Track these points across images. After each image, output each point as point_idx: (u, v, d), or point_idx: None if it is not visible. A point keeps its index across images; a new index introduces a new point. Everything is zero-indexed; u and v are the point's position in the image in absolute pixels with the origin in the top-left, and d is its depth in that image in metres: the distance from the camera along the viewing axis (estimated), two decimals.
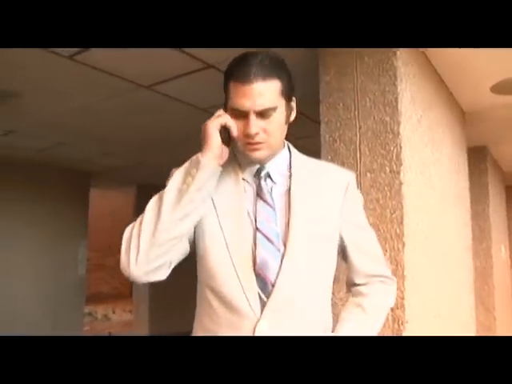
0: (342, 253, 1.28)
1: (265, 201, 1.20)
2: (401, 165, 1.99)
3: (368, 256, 1.31)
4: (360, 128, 2.13)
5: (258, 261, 1.14)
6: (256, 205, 1.20)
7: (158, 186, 1.24)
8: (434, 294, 2.36)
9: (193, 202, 1.12)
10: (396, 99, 2.05)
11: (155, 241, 1.10)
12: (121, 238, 1.14)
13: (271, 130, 1.15)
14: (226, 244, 1.17)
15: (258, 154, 1.18)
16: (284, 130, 1.21)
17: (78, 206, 6.06)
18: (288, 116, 1.21)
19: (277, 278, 1.14)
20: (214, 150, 1.13)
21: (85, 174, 6.13)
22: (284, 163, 1.27)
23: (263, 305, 1.12)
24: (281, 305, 1.13)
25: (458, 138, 3.23)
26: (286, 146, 1.30)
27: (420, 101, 2.37)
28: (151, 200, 1.15)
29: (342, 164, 2.16)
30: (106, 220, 10.11)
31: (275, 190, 1.23)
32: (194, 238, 1.21)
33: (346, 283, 1.33)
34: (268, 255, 1.15)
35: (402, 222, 1.95)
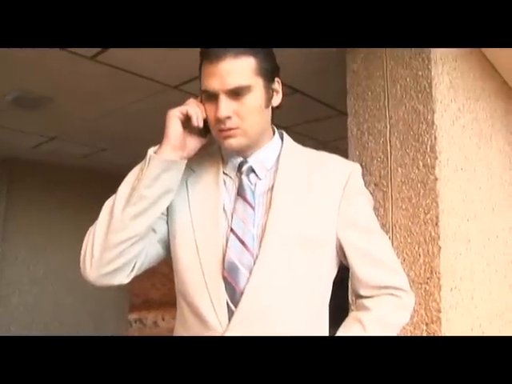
0: (344, 257, 1.09)
1: (244, 199, 1.06)
2: (436, 158, 1.75)
3: (375, 264, 1.09)
4: (390, 119, 1.91)
5: (226, 265, 1.01)
6: (235, 203, 1.07)
7: None
8: (481, 308, 2.08)
9: (144, 200, 1.01)
10: (430, 84, 1.81)
11: (108, 243, 1.01)
12: None
13: (245, 113, 1.00)
14: (197, 245, 1.05)
15: (232, 142, 1.03)
16: (264, 115, 1.06)
17: None
18: (268, 99, 1.06)
19: (246, 285, 1.00)
20: (172, 142, 1.03)
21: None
22: (272, 156, 1.11)
23: (231, 313, 1.00)
24: (250, 315, 0.99)
25: None
26: (278, 136, 1.14)
27: (463, 88, 2.11)
28: (108, 199, 1.06)
29: (371, 159, 1.95)
30: None
31: (259, 186, 1.08)
32: (169, 237, 1.10)
33: (352, 294, 1.13)
34: (238, 259, 1.01)
35: (437, 224, 1.71)
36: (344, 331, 1.05)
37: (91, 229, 1.05)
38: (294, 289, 1.03)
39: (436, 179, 1.74)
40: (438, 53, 1.86)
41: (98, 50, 2.47)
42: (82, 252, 1.05)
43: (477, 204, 2.14)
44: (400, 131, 1.87)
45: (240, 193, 1.08)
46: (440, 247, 1.70)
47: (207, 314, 1.01)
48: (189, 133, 1.06)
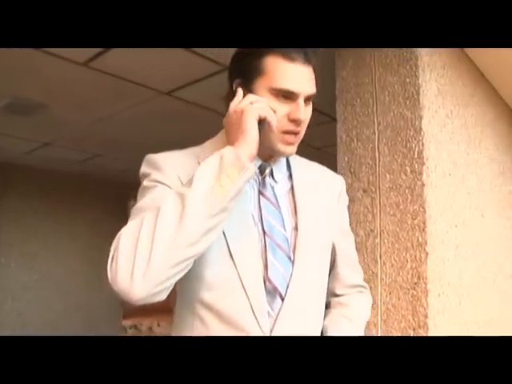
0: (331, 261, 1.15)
1: (269, 200, 1.05)
2: (423, 164, 1.77)
3: (352, 266, 1.20)
4: (379, 125, 1.92)
5: (269, 271, 0.98)
6: (260, 206, 1.04)
7: None
8: (471, 312, 2.08)
9: (225, 212, 0.90)
10: (417, 91, 1.83)
11: (174, 258, 0.86)
12: None
13: (307, 121, 1.02)
14: (230, 251, 0.98)
15: (292, 148, 1.04)
16: None
17: (117, 217, 6.08)
18: None
19: (287, 290, 0.99)
20: (253, 148, 0.93)
21: (124, 185, 6.15)
22: (284, 161, 1.12)
23: (272, 321, 0.97)
24: (291, 321, 0.99)
25: (503, 138, 2.91)
26: None
27: (451, 95, 2.13)
28: (166, 201, 0.89)
29: (360, 165, 1.96)
30: None
31: (277, 190, 1.08)
32: None
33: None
34: (279, 264, 1.00)
35: (424, 229, 1.72)
36: (334, 327, 1.09)
37: (130, 234, 0.89)
38: (322, 291, 1.09)
39: (423, 185, 1.75)
40: (425, 60, 1.88)
41: (91, 55, 2.49)
42: (121, 262, 0.87)
43: (465, 210, 2.16)
44: (388, 137, 1.88)
45: (264, 194, 1.05)
46: (427, 253, 1.71)
47: (248, 325, 0.96)
48: None
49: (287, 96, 0.98)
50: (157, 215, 0.87)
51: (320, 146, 3.51)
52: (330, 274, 1.15)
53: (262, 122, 0.96)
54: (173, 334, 1.08)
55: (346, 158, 1.99)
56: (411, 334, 1.68)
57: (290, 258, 1.01)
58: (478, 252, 2.25)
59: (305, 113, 0.99)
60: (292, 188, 1.10)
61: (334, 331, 1.08)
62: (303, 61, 0.98)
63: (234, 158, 0.90)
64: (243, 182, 0.91)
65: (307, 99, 1.00)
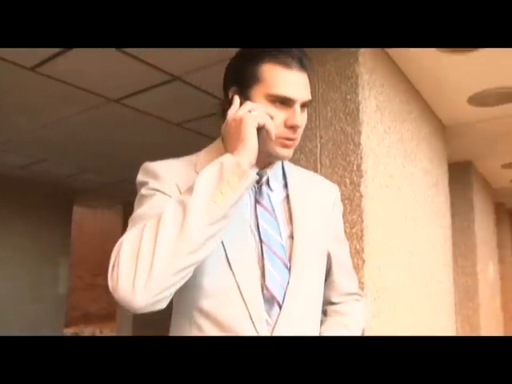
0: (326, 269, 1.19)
1: (265, 209, 1.07)
2: (361, 177, 1.88)
3: (348, 274, 1.24)
4: (321, 139, 2.03)
5: (267, 279, 1.00)
6: (256, 214, 1.06)
7: None
8: (405, 315, 2.22)
9: (226, 219, 0.92)
10: (357, 108, 1.94)
11: (176, 264, 0.86)
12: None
13: (303, 126, 1.06)
14: (228, 260, 0.99)
15: (290, 152, 1.06)
16: None
17: (60, 223, 5.95)
18: None
19: (284, 297, 1.01)
20: (252, 156, 0.95)
21: (68, 190, 6.03)
22: (279, 170, 1.15)
23: (270, 329, 1.00)
24: (289, 328, 1.01)
25: (437, 152, 3.11)
26: None
27: (389, 111, 2.27)
28: (167, 209, 0.89)
29: None
30: (98, 239, 10.00)
31: (273, 198, 1.10)
32: None
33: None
34: (276, 272, 1.02)
35: (361, 238, 1.83)
36: (331, 334, 1.12)
37: (131, 243, 0.88)
38: (318, 298, 1.12)
39: (361, 196, 1.87)
40: (365, 78, 2.00)
41: (39, 61, 2.46)
42: (123, 272, 0.86)
43: (401, 219, 2.30)
44: (329, 151, 1.99)
45: (260, 202, 1.07)
46: (364, 260, 1.82)
47: (245, 329, 0.97)
48: None
49: (284, 102, 1.00)
50: (158, 223, 0.87)
51: (179, 121, 3.41)
52: (325, 282, 1.17)
53: (260, 129, 0.98)
54: None
55: None
56: None
57: (286, 266, 1.03)
58: (412, 259, 2.40)
59: (301, 119, 1.03)
60: (287, 196, 1.12)
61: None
62: (299, 68, 1.01)
63: (234, 165, 0.91)
64: (244, 190, 0.92)
65: (303, 105, 1.04)
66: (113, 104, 3.08)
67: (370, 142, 2.00)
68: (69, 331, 7.76)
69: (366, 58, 2.03)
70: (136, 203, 1.03)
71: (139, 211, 0.98)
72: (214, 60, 2.31)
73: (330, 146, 1.99)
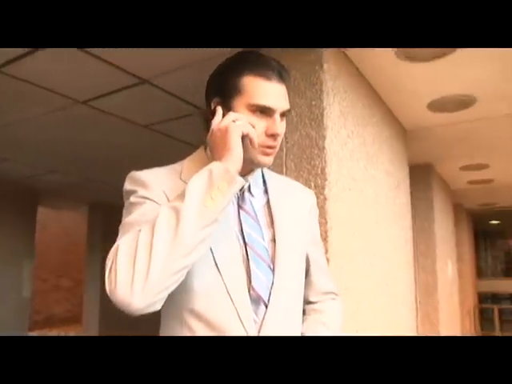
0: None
1: (248, 213, 1.13)
2: (325, 180, 1.95)
3: (324, 273, 1.31)
4: (287, 143, 2.09)
5: (253, 280, 1.06)
6: (240, 219, 1.11)
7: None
8: (367, 311, 2.31)
9: (216, 223, 0.98)
10: (322, 113, 2.01)
11: (171, 268, 0.91)
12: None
13: (282, 135, 1.11)
14: (216, 263, 1.05)
15: (271, 159, 1.12)
16: None
17: (24, 224, 5.84)
18: None
19: (270, 297, 1.07)
20: (238, 164, 1.01)
21: (31, 191, 5.92)
22: (260, 177, 1.21)
23: (257, 327, 1.05)
24: (275, 326, 1.07)
25: (398, 154, 3.23)
26: None
27: (352, 116, 2.35)
28: (161, 215, 0.94)
29: None
30: (62, 240, 9.83)
31: (254, 203, 1.16)
32: None
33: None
34: (261, 273, 1.07)
35: (325, 239, 1.90)
36: (313, 333, 1.18)
37: (127, 247, 0.93)
38: (300, 297, 1.18)
39: (325, 199, 1.94)
40: (329, 85, 2.08)
41: (4, 61, 2.44)
42: (121, 276, 0.90)
43: (363, 221, 2.39)
44: (295, 154, 2.05)
45: (243, 207, 1.12)
46: (328, 259, 1.89)
47: (234, 328, 1.02)
48: None
49: (264, 112, 1.07)
50: (153, 229, 0.92)
51: (147, 123, 3.43)
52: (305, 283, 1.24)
53: (243, 138, 1.04)
54: None
55: None
56: None
57: (270, 267, 1.09)
58: (374, 259, 2.49)
59: (281, 127, 1.09)
60: (268, 201, 1.18)
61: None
62: (278, 79, 1.08)
63: (223, 171, 0.98)
64: (232, 194, 0.99)
65: (282, 114, 1.10)
66: (80, 105, 3.07)
67: (334, 146, 2.07)
68: (33, 335, 7.60)
69: (331, 65, 2.10)
70: (125, 211, 1.07)
71: (129, 218, 1.02)
72: (182, 63, 2.35)
73: (295, 150, 2.05)
